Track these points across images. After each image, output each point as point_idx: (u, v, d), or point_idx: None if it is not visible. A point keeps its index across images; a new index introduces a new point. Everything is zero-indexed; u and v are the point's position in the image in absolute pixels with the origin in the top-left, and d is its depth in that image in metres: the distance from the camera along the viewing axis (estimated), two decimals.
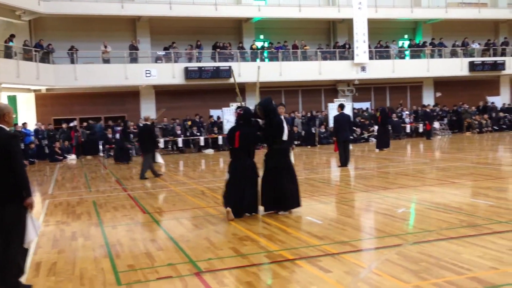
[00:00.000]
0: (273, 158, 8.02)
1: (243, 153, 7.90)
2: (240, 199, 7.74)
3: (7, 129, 4.95)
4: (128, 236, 7.03)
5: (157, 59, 24.71)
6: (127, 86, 24.02)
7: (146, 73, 23.64)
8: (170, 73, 24.01)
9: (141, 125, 17.03)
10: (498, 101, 30.19)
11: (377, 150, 18.99)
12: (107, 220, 8.26)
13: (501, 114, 28.23)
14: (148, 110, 25.04)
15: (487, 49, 29.99)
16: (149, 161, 13.59)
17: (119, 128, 21.35)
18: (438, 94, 29.65)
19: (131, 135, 21.04)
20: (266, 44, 27.13)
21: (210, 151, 22.87)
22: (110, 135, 22.46)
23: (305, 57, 26.81)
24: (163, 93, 25.28)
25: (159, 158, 14.36)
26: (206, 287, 4.79)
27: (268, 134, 8.05)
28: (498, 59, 29.20)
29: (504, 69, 29.15)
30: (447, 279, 4.62)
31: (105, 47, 23.67)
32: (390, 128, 22.59)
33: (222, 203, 8.04)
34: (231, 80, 24.59)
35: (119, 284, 5.04)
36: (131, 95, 24.85)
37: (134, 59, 24.24)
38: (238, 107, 8.11)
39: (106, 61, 23.78)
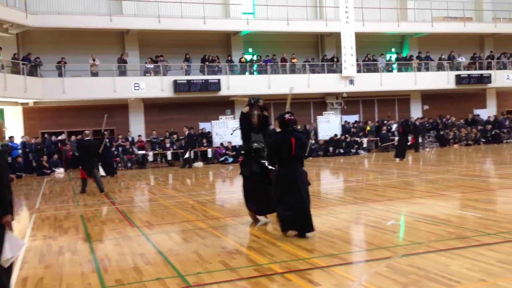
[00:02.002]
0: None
1: (297, 161, 7.18)
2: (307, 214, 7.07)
3: None
4: (116, 251, 6.96)
5: (146, 72, 24.70)
6: (115, 99, 23.94)
7: (135, 86, 23.60)
8: (159, 86, 24.00)
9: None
10: (485, 114, 30.55)
11: (397, 160, 19.82)
12: (94, 235, 8.17)
13: (489, 127, 28.54)
14: (137, 123, 25.02)
15: (473, 63, 30.40)
16: (97, 174, 13.86)
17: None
18: (426, 107, 29.95)
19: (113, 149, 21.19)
20: (254, 57, 27.26)
21: (199, 164, 22.79)
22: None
23: (293, 70, 26.97)
24: (151, 106, 25.24)
25: (101, 172, 14.48)
26: None
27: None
28: (484, 72, 29.60)
29: (490, 82, 29.55)
30: None
31: (93, 60, 23.62)
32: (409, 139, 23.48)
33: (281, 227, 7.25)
34: (220, 93, 24.68)
35: None
36: (119, 108, 24.75)
37: (122, 72, 24.21)
38: (288, 112, 7.35)
39: (95, 74, 23.71)
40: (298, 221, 7.06)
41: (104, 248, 7.14)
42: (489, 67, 30.24)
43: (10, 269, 4.75)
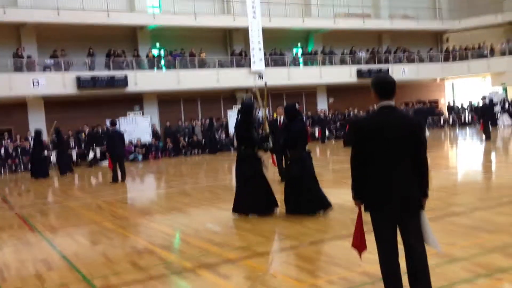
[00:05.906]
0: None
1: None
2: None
3: None
4: (15, 258, 6.53)
5: (45, 68, 23.29)
6: (12, 97, 22.31)
7: (34, 83, 22.19)
8: (61, 83, 22.75)
9: None
10: None
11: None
12: None
13: None
14: (37, 123, 23.53)
15: (372, 57, 32.10)
16: None
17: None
18: (331, 100, 31.17)
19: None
20: (162, 52, 26.74)
21: (106, 163, 21.94)
22: None
23: (202, 65, 26.83)
24: (53, 104, 23.80)
25: None
26: None
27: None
28: (382, 66, 31.36)
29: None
30: (340, 275, 4.84)
31: None
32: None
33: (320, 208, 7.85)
34: (128, 89, 23.95)
35: None
36: (17, 107, 23.12)
37: (18, 68, 22.64)
38: (297, 103, 8.42)
39: None
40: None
41: (2, 257, 6.67)
42: (386, 62, 32.09)
43: None
